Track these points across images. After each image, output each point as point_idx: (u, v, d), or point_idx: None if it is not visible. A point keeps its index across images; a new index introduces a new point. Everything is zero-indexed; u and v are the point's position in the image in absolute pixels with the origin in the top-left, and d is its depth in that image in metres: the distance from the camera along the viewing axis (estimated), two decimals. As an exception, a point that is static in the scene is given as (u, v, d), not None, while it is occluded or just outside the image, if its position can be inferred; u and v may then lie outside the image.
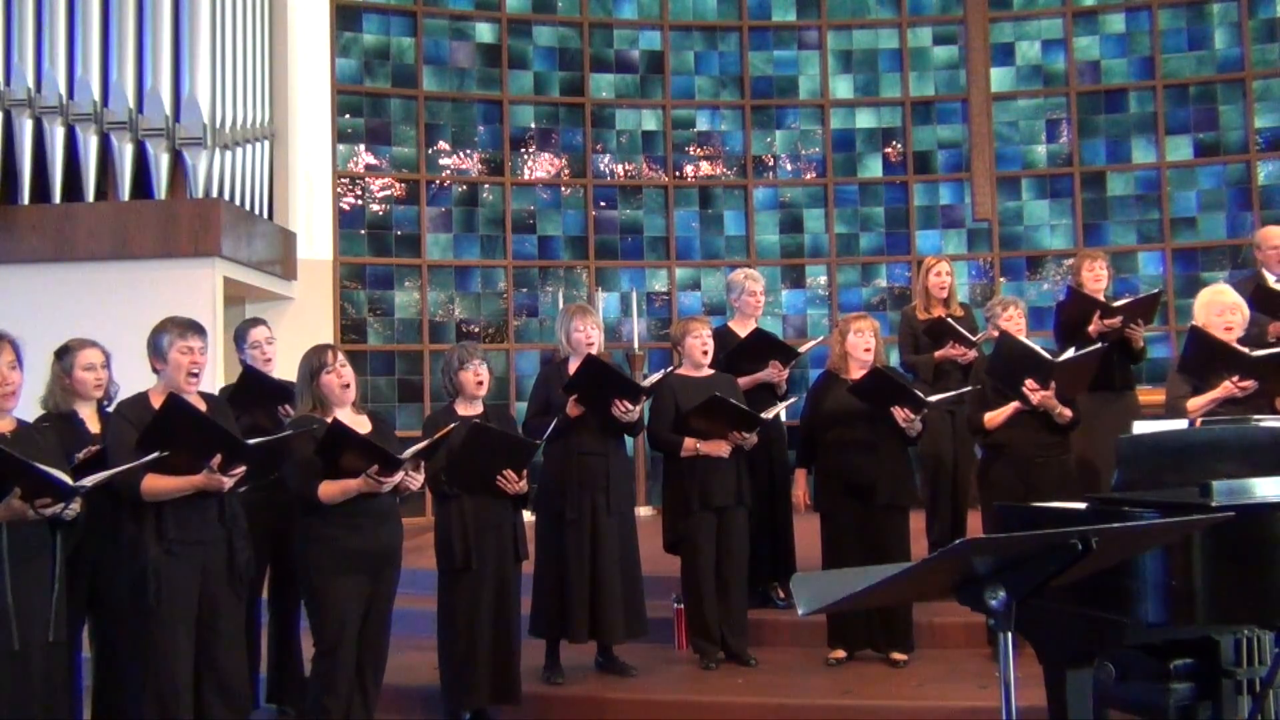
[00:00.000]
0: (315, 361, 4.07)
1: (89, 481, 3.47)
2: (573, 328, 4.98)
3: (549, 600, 4.88)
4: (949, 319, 5.78)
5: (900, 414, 4.87)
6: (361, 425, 4.06)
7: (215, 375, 6.46)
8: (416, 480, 4.04)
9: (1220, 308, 4.56)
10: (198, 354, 3.82)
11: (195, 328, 3.88)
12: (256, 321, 5.04)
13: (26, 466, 3.33)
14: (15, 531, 3.44)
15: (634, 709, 4.65)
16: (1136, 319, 5.49)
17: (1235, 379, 4.39)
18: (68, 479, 3.44)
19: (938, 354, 5.79)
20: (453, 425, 4.28)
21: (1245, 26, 9.67)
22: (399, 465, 3.92)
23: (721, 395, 4.87)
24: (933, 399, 5.01)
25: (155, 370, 3.87)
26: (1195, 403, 4.46)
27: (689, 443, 4.98)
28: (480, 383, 4.56)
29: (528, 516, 4.69)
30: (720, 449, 4.96)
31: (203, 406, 3.89)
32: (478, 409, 4.60)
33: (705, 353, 5.11)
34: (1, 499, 3.35)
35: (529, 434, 4.77)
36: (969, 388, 5.27)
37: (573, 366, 4.93)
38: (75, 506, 3.50)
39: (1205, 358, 4.49)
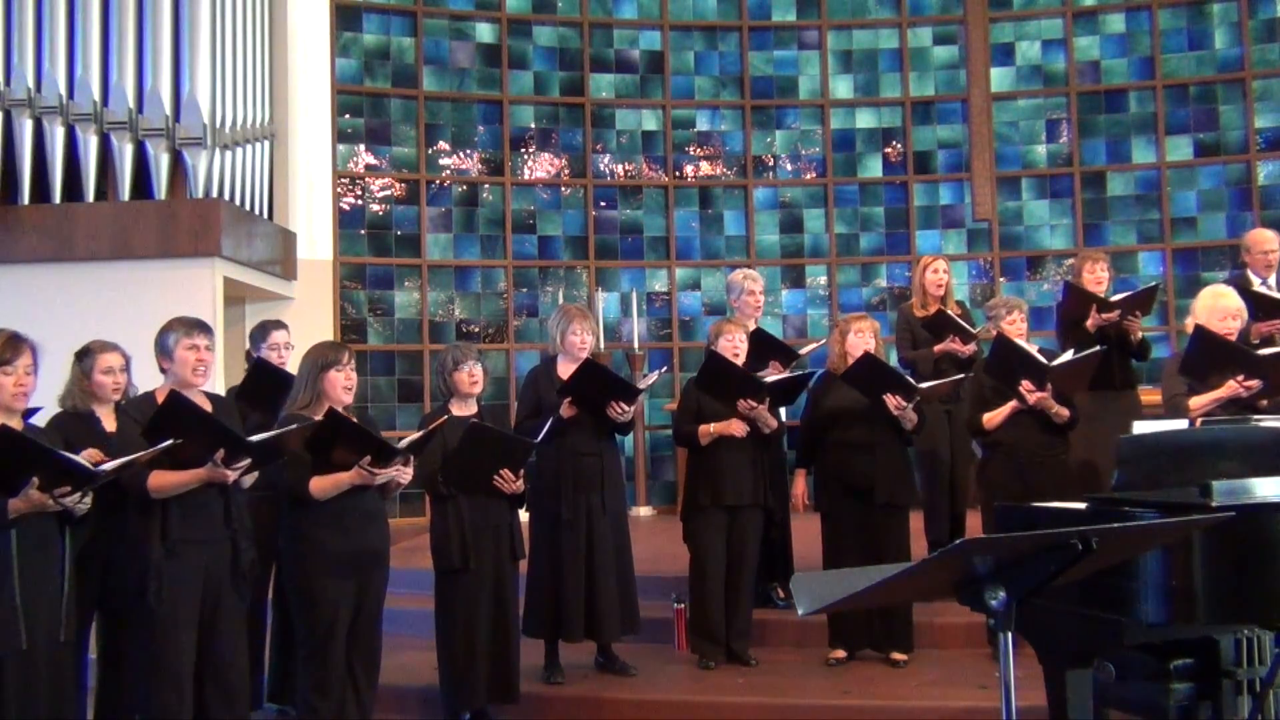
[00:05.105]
0: (328, 357, 4.05)
1: (107, 467, 3.50)
2: (570, 330, 4.97)
3: (544, 600, 4.89)
4: (948, 312, 5.80)
5: (892, 401, 4.87)
6: None
7: (217, 375, 6.45)
8: (406, 475, 4.03)
9: (1223, 313, 4.55)
10: (204, 351, 3.84)
11: (201, 326, 3.91)
12: (280, 324, 5.09)
13: (47, 452, 3.40)
14: (25, 531, 3.46)
15: (633, 709, 4.66)
16: (1134, 311, 5.49)
17: (1240, 378, 4.38)
18: (87, 464, 3.49)
19: (938, 348, 5.80)
20: (444, 418, 4.30)
21: (1245, 26, 9.67)
22: (394, 455, 3.92)
23: (718, 351, 4.90)
24: (924, 385, 5.02)
25: (163, 369, 3.89)
26: (1198, 401, 4.46)
27: (704, 428, 4.99)
28: (475, 383, 4.56)
29: (523, 516, 4.69)
30: (733, 429, 4.95)
31: (208, 406, 3.91)
32: (472, 409, 4.60)
33: (737, 355, 5.10)
34: (20, 490, 3.37)
35: (523, 436, 4.77)
36: (961, 375, 5.29)
37: (562, 367, 4.94)
38: (87, 501, 3.52)
39: (1209, 357, 4.48)
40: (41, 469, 3.39)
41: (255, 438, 3.76)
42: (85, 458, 3.64)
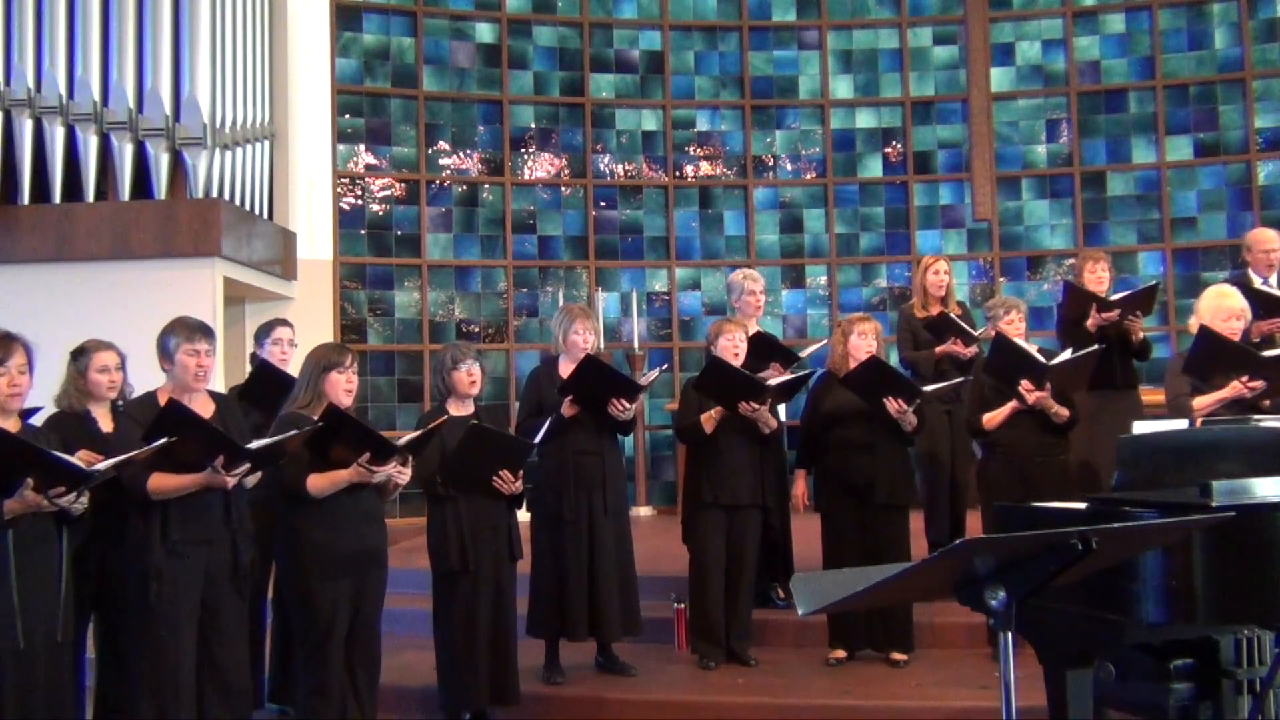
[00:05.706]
0: (331, 358, 4.05)
1: (102, 466, 3.50)
2: (572, 329, 4.97)
3: (546, 600, 4.89)
4: (951, 315, 5.80)
5: (892, 405, 4.87)
6: None
7: (217, 375, 6.45)
8: (404, 474, 4.03)
9: (1227, 313, 4.56)
10: (204, 356, 3.84)
11: (203, 330, 3.90)
12: (284, 322, 5.12)
13: (41, 453, 3.40)
14: (22, 531, 3.46)
15: (634, 709, 4.66)
16: (1135, 311, 5.49)
17: (1244, 379, 4.39)
18: (81, 464, 3.49)
19: (939, 349, 5.81)
20: (444, 418, 4.30)
21: (1245, 26, 9.67)
22: (393, 453, 3.91)
23: (718, 355, 4.92)
24: (927, 388, 5.02)
25: (164, 370, 3.88)
26: (1201, 401, 4.46)
27: (705, 415, 4.99)
28: (473, 383, 4.56)
29: (522, 516, 4.69)
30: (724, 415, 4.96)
31: (211, 406, 3.92)
32: (469, 409, 4.60)
33: (736, 355, 5.09)
34: (15, 491, 3.37)
35: (523, 436, 4.77)
36: (961, 378, 5.29)
37: (564, 367, 4.94)
38: (83, 501, 3.52)
39: (1213, 357, 4.48)
40: (35, 470, 3.39)
41: (254, 444, 3.75)
42: (79, 459, 3.65)
